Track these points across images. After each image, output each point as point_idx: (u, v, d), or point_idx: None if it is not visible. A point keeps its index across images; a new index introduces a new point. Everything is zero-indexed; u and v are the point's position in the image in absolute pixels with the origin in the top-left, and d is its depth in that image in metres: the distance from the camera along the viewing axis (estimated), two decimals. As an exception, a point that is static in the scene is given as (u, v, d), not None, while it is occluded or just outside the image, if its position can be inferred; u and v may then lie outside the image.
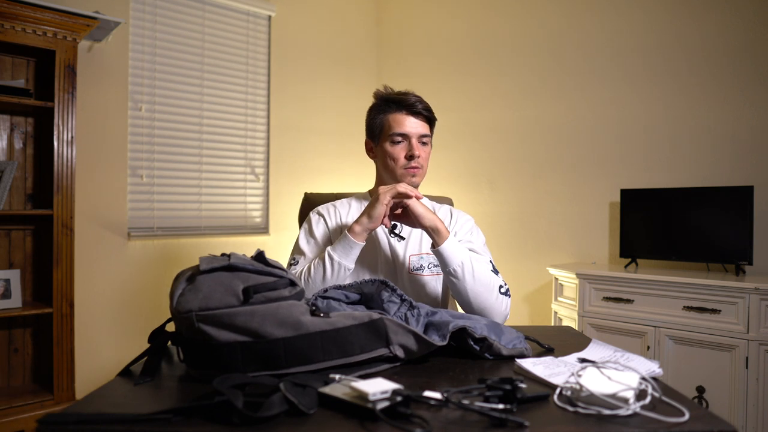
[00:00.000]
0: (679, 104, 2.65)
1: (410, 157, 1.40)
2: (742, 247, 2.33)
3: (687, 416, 0.68)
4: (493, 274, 1.30)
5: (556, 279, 2.72)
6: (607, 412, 0.69)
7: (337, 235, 1.44)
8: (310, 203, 1.81)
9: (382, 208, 1.26)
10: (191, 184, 2.95)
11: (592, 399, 0.71)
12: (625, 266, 2.65)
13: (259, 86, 3.23)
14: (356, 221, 1.29)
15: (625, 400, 0.69)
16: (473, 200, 3.34)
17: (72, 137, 2.22)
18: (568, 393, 0.75)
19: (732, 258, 2.36)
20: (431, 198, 1.72)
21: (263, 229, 3.24)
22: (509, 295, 1.33)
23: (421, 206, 1.27)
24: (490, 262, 1.41)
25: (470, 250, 1.41)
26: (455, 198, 2.06)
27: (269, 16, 3.25)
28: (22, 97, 2.13)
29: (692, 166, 2.61)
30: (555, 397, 0.75)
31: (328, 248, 1.30)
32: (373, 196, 1.35)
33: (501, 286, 1.31)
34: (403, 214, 1.31)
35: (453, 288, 1.28)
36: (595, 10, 2.93)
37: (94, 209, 2.57)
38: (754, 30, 2.46)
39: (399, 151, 1.41)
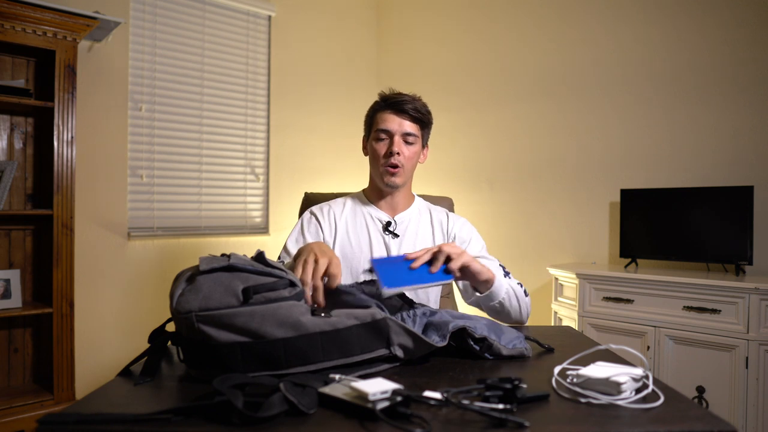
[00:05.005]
0: (679, 104, 2.65)
1: (389, 153, 1.41)
2: (742, 247, 2.33)
3: (662, 399, 0.72)
4: (516, 285, 1.30)
5: (556, 279, 2.72)
6: (602, 397, 0.72)
7: (329, 235, 1.45)
8: (310, 203, 1.81)
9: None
10: (191, 184, 2.95)
11: (588, 384, 0.75)
12: (625, 266, 2.65)
13: (259, 86, 3.23)
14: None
15: (618, 385, 0.72)
16: (473, 200, 3.34)
17: (72, 137, 2.22)
18: (568, 380, 0.78)
19: (732, 258, 2.36)
20: (431, 198, 1.72)
21: (263, 229, 3.24)
22: (527, 294, 1.33)
23: (477, 264, 1.15)
24: (501, 266, 1.38)
25: (478, 257, 1.41)
26: (455, 198, 2.06)
27: (269, 16, 3.25)
28: (22, 97, 2.13)
29: (692, 166, 2.61)
30: (553, 380, 0.79)
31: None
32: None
33: (525, 291, 1.31)
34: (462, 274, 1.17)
35: (494, 314, 1.26)
36: (595, 13, 2.93)
37: (94, 209, 2.57)
38: (754, 30, 2.46)
39: (381, 148, 1.43)
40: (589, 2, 2.95)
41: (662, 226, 2.57)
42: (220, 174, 3.06)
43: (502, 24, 3.29)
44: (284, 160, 3.31)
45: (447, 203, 1.84)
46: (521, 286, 1.32)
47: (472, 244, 1.46)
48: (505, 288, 1.24)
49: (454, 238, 1.46)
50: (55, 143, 2.18)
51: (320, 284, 0.97)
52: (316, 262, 1.00)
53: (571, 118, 3.00)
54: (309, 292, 0.96)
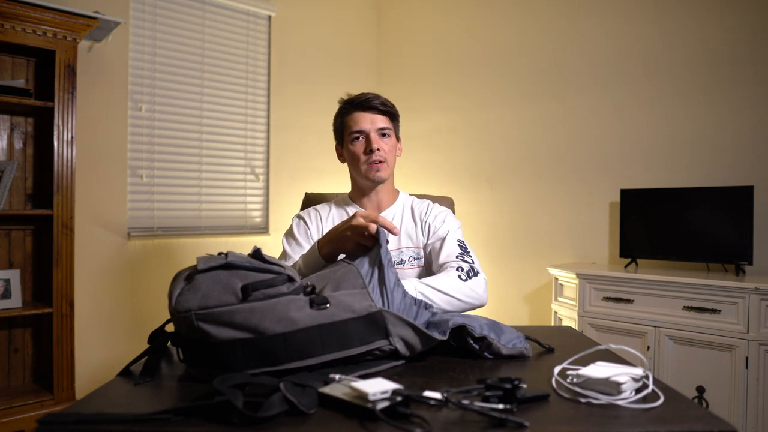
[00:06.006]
0: (679, 104, 2.65)
1: (369, 151, 1.42)
2: (742, 247, 2.33)
3: (662, 399, 0.72)
4: (452, 272, 1.23)
5: (556, 279, 2.72)
6: (602, 397, 0.72)
7: (317, 235, 1.47)
8: (310, 203, 1.81)
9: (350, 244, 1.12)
10: (191, 184, 2.95)
11: (588, 384, 0.75)
12: (625, 266, 2.65)
13: (259, 86, 3.23)
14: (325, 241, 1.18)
15: (618, 385, 0.72)
16: (473, 200, 3.34)
17: (72, 137, 2.22)
18: (568, 380, 0.78)
19: (732, 258, 2.36)
20: (431, 198, 1.72)
21: (263, 229, 3.24)
22: (477, 273, 1.23)
23: None
24: (459, 246, 1.35)
25: (442, 238, 1.39)
26: (455, 198, 2.05)
27: (269, 16, 3.25)
28: (22, 97, 2.13)
29: (692, 166, 2.61)
30: (553, 380, 0.79)
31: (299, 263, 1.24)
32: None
33: (470, 271, 1.23)
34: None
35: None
36: (595, 12, 2.93)
37: (94, 209, 2.57)
38: (753, 30, 2.46)
39: (359, 148, 1.45)
40: (590, 1, 2.95)
41: (662, 226, 2.57)
42: (220, 174, 3.06)
43: (502, 23, 3.29)
44: (284, 160, 3.31)
45: (447, 203, 1.84)
46: (461, 269, 1.23)
47: (440, 230, 1.44)
48: (412, 292, 1.13)
49: (429, 227, 1.47)
50: (55, 143, 2.18)
51: (375, 221, 1.06)
52: (353, 220, 1.09)
53: (571, 118, 3.00)
54: (375, 226, 1.06)
